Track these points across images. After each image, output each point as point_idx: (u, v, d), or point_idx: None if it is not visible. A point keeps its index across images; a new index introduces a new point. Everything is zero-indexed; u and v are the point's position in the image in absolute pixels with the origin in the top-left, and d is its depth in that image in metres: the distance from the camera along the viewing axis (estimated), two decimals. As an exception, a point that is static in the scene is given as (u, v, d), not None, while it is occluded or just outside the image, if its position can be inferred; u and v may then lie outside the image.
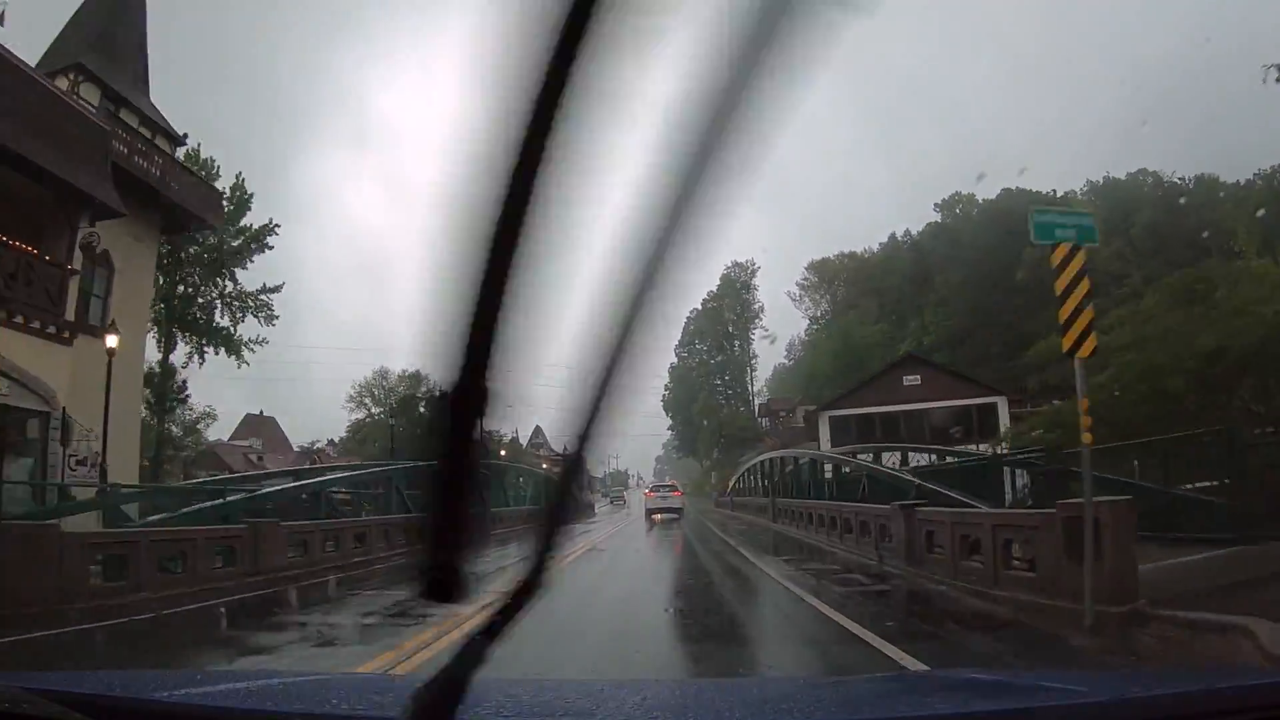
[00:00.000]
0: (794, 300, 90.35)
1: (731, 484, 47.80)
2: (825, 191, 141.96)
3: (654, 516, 31.97)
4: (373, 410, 66.03)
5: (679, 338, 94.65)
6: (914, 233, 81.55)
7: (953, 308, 59.04)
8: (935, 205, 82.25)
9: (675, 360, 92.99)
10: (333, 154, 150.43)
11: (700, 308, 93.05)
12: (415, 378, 59.75)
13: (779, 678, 4.71)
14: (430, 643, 6.16)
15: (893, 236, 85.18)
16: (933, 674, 3.48)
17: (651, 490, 39.77)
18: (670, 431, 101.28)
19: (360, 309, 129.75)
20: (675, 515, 31.65)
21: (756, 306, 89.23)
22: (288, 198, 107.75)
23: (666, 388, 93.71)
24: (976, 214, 67.78)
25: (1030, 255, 56.82)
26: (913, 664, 5.05)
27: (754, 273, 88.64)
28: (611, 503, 54.55)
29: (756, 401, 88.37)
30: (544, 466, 69.72)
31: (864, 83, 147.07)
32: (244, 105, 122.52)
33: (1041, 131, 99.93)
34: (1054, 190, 67.38)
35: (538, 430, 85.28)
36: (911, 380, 30.71)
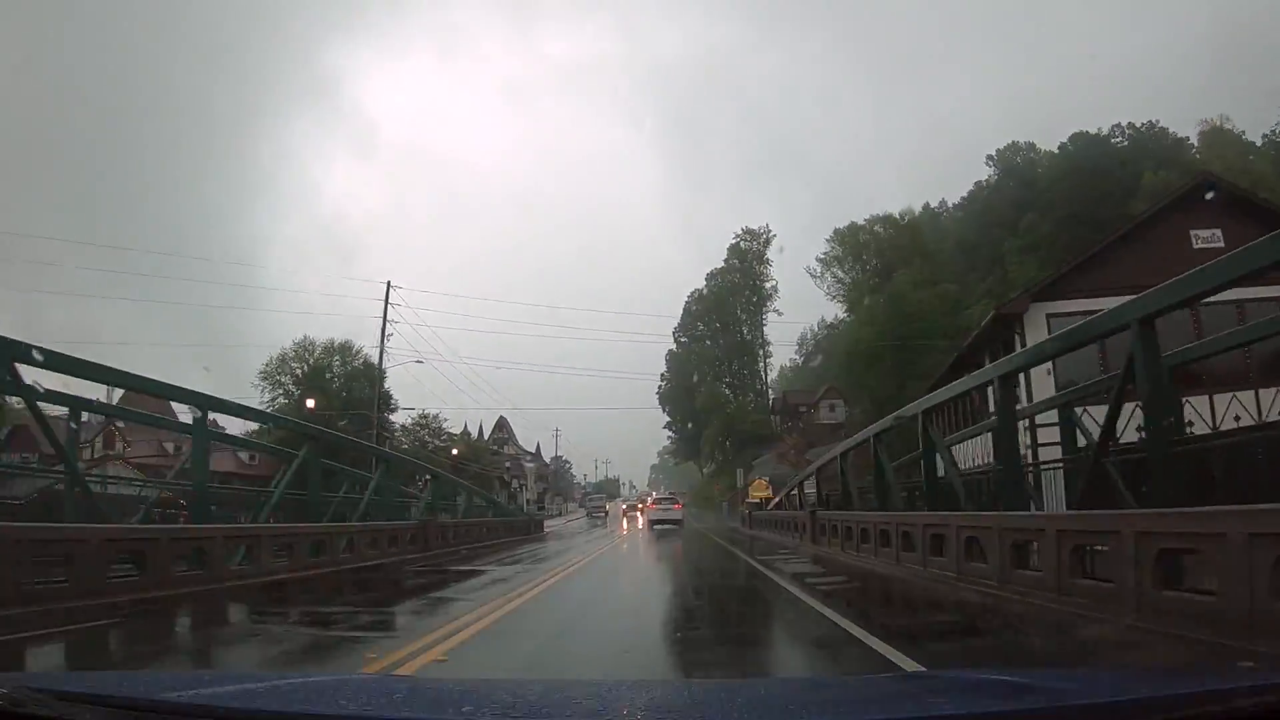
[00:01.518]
0: (814, 277, 75.63)
1: (761, 494, 32.85)
2: (836, 169, 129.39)
3: (654, 527, 33.61)
4: (293, 390, 51.52)
5: (678, 320, 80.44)
6: (949, 204, 68.22)
7: (1047, 253, 44.90)
8: (989, 158, 69.03)
9: (674, 347, 78.87)
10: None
11: (704, 285, 78.77)
12: (346, 350, 45.15)
13: (783, 679, 4.43)
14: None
15: (927, 206, 72.15)
16: (933, 674, 3.22)
17: (654, 503, 42.49)
18: (668, 433, 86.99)
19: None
20: (675, 526, 33.24)
21: (770, 285, 74.96)
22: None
23: (663, 377, 79.30)
24: (1057, 155, 54.34)
25: (1151, 184, 43.26)
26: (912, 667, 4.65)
27: (768, 241, 74.36)
28: (589, 516, 39.15)
29: (770, 396, 74.16)
30: (505, 466, 55.62)
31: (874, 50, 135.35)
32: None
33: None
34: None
35: (502, 424, 71.91)
36: (1207, 237, 15.14)
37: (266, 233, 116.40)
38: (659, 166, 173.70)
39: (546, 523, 39.69)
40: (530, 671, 4.77)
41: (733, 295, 74.47)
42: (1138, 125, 52.13)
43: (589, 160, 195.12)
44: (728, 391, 73.41)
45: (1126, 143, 51.08)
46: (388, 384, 39.64)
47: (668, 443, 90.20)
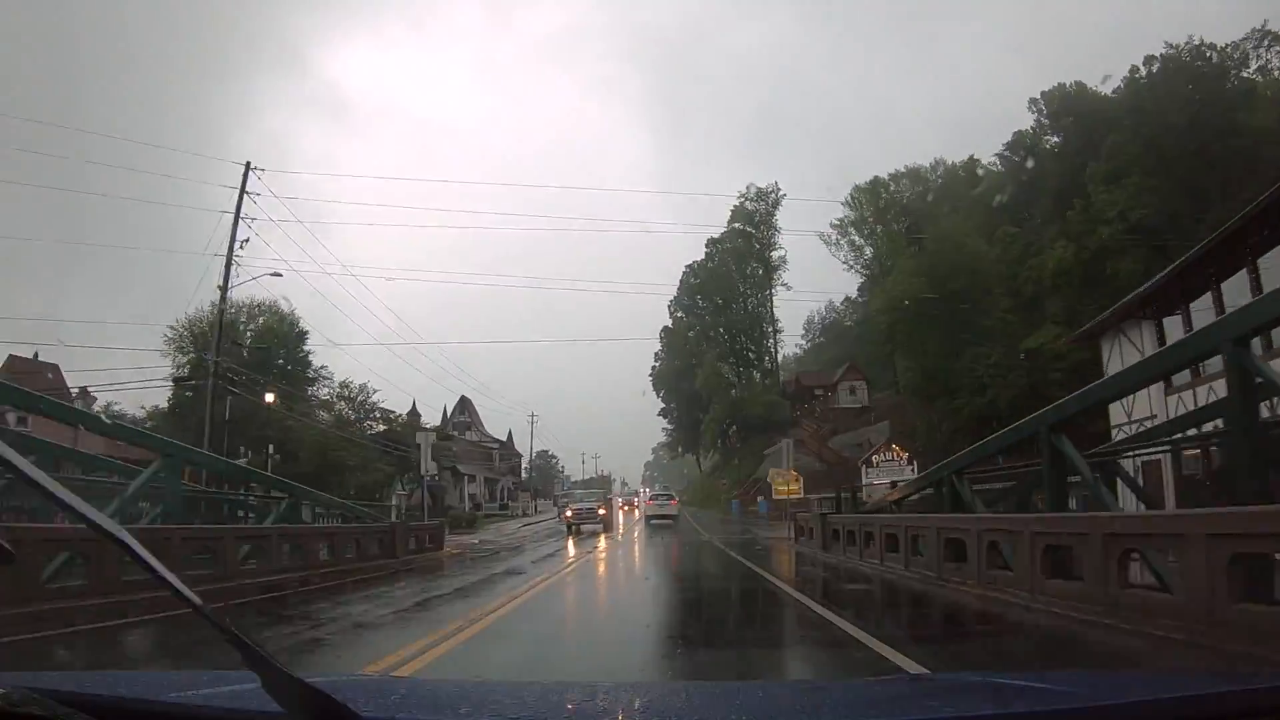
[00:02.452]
0: (828, 244, 66.75)
1: (789, 488, 24.10)
2: (846, 136, 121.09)
3: (650, 521, 35.13)
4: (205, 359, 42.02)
5: (674, 293, 71.43)
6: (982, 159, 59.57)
7: (1138, 182, 36.16)
8: (1031, 102, 60.27)
9: (670, 323, 69.97)
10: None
11: (705, 255, 69.60)
12: (275, 312, 35.77)
13: (783, 682, 4.47)
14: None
15: (960, 162, 63.62)
16: (934, 677, 3.29)
17: (651, 499, 42.44)
18: (663, 424, 78.17)
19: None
20: (670, 521, 34.39)
21: (779, 255, 66.02)
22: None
23: (657, 357, 70.40)
24: (1133, 82, 45.75)
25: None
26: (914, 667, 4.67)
27: (777, 202, 65.43)
28: (570, 520, 26.89)
29: (780, 377, 65.22)
30: (452, 451, 45.36)
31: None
32: None
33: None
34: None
35: (464, 405, 62.40)
36: None
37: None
38: (649, 139, 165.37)
39: (495, 532, 30.65)
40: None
41: (737, 263, 65.55)
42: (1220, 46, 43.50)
43: (573, 134, 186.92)
44: (731, 376, 64.50)
45: (1216, 57, 42.49)
46: (336, 358, 30.28)
47: (663, 435, 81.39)
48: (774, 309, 63.83)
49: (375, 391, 35.94)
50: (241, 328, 34.29)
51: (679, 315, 66.11)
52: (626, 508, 45.94)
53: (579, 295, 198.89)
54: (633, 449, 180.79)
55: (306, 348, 36.00)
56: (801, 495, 29.00)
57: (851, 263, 65.75)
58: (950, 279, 37.79)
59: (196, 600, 1.10)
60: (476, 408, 54.93)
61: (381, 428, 35.71)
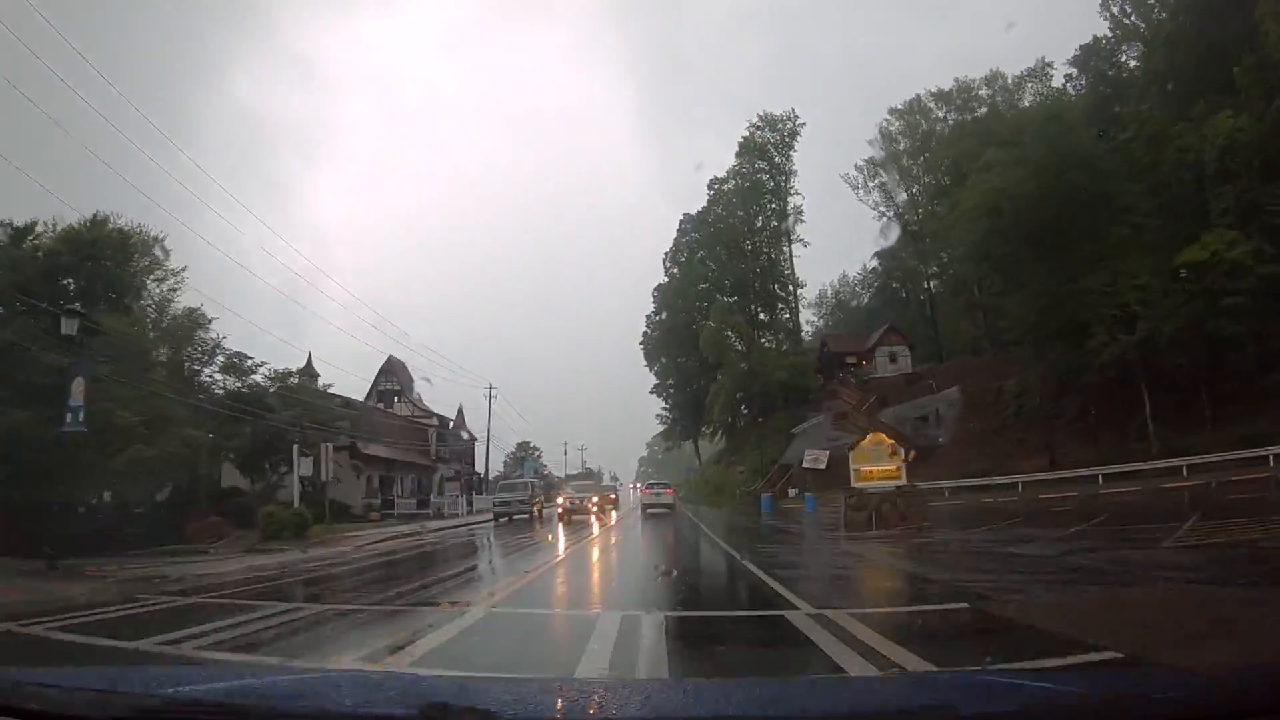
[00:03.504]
0: (855, 189, 55.51)
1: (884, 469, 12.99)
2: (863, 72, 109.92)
3: (647, 511, 33.03)
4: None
5: (668, 247, 59.65)
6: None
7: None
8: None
9: (664, 279, 58.33)
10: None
11: (708, 200, 57.73)
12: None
13: (782, 679, 3.97)
14: None
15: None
16: (936, 675, 3.24)
17: (646, 487, 39.99)
18: (659, 405, 66.35)
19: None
20: (668, 510, 33.27)
21: (795, 204, 54.44)
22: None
23: (649, 323, 58.77)
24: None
25: None
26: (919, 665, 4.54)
27: (794, 132, 53.92)
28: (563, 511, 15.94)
29: (803, 340, 53.57)
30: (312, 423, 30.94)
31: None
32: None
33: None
34: None
35: (391, 369, 42.12)
36: None
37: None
38: (634, 98, 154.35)
39: (310, 552, 18.67)
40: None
41: (746, 207, 53.81)
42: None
43: (553, 94, 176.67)
44: (737, 344, 52.96)
45: None
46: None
47: (657, 420, 69.83)
48: (793, 261, 52.14)
49: (219, 328, 23.99)
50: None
51: (675, 271, 54.47)
52: (597, 502, 34.86)
53: (572, 286, 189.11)
54: (625, 452, 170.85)
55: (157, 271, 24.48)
56: (904, 481, 17.45)
57: (883, 209, 54.43)
58: (1063, 174, 26.22)
59: None
60: (423, 380, 42.27)
61: (234, 383, 23.99)
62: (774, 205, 53.35)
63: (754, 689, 2.11)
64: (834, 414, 36.10)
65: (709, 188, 55.28)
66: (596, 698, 1.62)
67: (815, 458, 36.71)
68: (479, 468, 45.80)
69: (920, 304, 52.38)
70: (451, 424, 44.19)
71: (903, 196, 54.78)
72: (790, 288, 52.22)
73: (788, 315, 51.38)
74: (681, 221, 56.43)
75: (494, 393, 42.22)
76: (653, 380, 57.94)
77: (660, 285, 55.13)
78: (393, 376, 40.57)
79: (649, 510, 32.84)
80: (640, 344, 56.17)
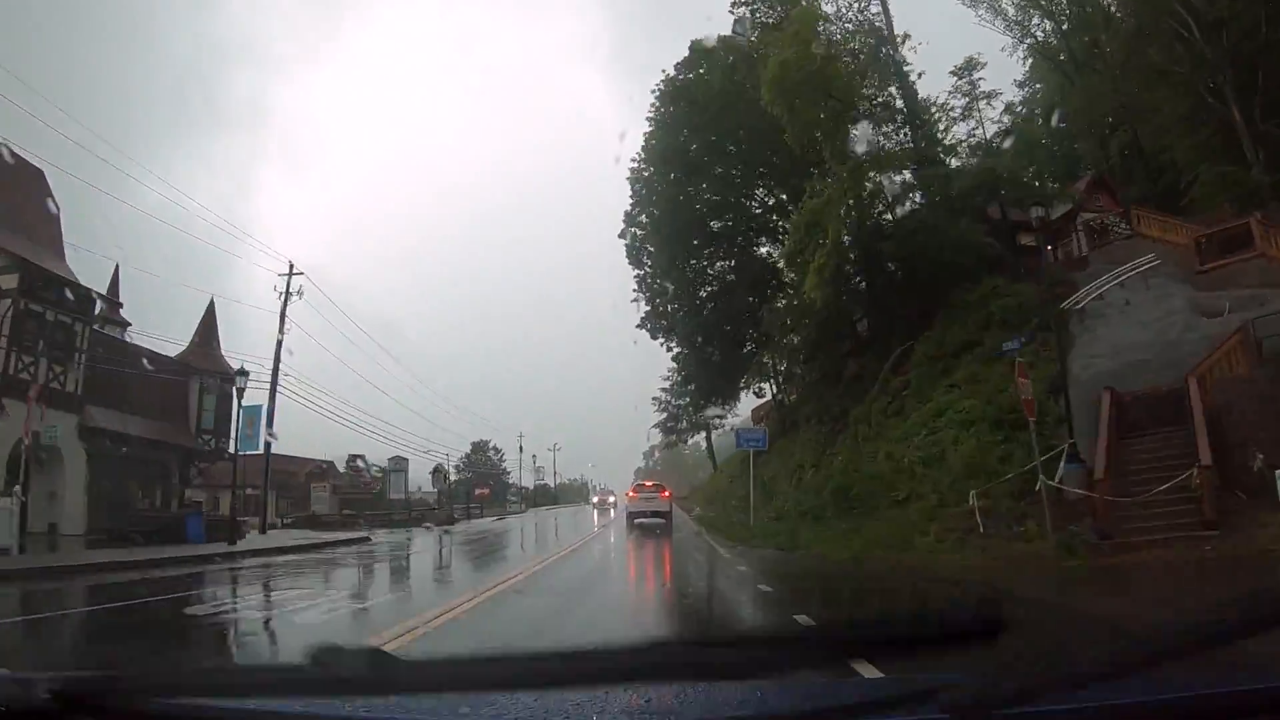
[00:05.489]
0: (968, 5, 31.56)
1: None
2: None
3: (634, 521, 26.58)
4: None
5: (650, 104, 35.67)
6: None
7: None
8: None
9: (648, 126, 34.47)
10: None
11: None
12: None
13: (781, 680, 3.01)
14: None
15: None
16: (936, 677, 2.23)
17: (634, 490, 31.05)
18: (661, 412, 47.25)
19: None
20: (661, 520, 26.48)
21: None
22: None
23: (631, 200, 35.07)
24: None
25: None
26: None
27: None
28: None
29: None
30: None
31: None
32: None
33: None
34: None
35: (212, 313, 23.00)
36: None
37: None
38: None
39: None
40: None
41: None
42: None
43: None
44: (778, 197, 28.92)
45: None
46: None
47: (655, 402, 46.62)
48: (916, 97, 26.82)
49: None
50: None
51: (672, 97, 30.25)
52: None
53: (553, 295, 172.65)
54: (620, 463, 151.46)
55: None
56: None
57: (1018, 38, 31.31)
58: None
59: None
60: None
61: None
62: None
63: (756, 690, 1.90)
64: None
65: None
66: (598, 698, 1.62)
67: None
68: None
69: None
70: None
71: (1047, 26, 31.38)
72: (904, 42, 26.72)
73: (913, 96, 26.23)
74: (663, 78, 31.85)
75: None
76: (654, 390, 35.60)
77: (649, 120, 30.89)
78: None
79: (636, 520, 26.50)
80: (620, 237, 32.66)
